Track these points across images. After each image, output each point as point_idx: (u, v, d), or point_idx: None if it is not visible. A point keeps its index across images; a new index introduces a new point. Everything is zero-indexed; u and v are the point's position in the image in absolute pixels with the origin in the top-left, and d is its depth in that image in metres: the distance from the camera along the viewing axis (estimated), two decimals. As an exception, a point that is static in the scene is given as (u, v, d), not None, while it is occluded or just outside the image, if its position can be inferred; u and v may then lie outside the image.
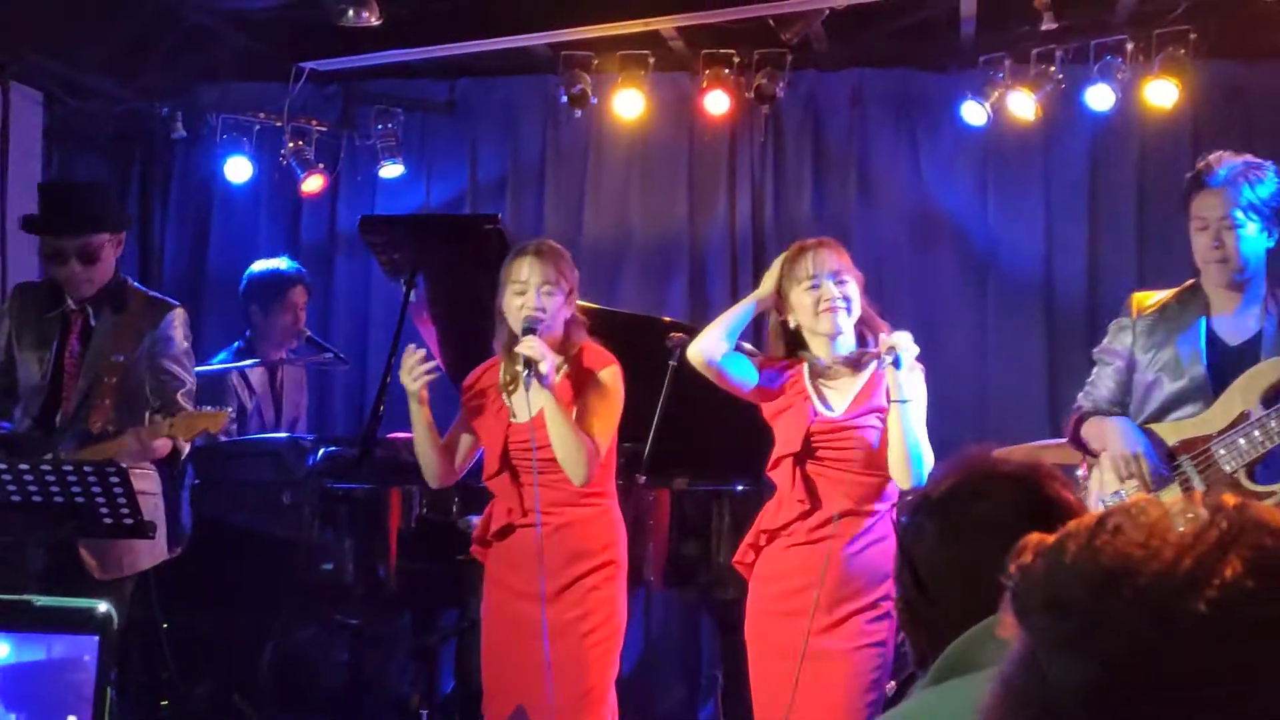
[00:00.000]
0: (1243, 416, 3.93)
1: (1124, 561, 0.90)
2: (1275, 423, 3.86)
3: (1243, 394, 3.95)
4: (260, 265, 6.36)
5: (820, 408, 4.11)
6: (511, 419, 4.33)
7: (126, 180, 7.23)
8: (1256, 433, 3.89)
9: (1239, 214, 3.99)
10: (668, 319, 5.98)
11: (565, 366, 4.31)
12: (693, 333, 4.80)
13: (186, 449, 4.75)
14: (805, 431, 4.09)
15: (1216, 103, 6.44)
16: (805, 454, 4.09)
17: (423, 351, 4.34)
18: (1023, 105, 6.35)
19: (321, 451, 5.46)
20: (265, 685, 5.46)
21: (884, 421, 4.05)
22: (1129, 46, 6.23)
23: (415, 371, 4.29)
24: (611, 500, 4.37)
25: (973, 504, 1.81)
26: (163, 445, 4.67)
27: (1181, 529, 0.91)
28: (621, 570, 4.35)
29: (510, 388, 4.36)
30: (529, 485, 4.27)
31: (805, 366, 4.19)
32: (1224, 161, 4.04)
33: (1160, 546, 0.90)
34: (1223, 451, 3.94)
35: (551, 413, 4.17)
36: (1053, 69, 6.31)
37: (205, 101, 7.12)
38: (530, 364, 4.13)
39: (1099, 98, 6.29)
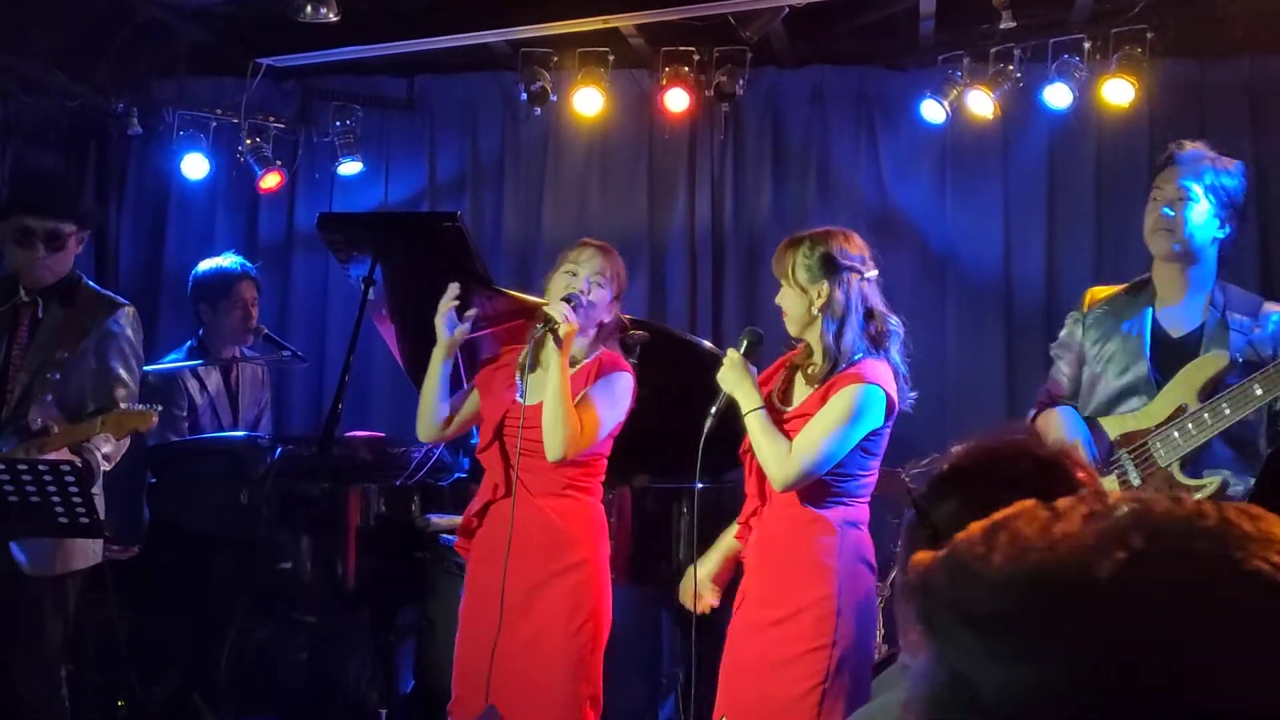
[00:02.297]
0: (1180, 410, 3.97)
1: (1023, 561, 0.90)
2: (1209, 416, 3.89)
3: (1182, 388, 3.99)
4: (205, 264, 6.29)
5: (777, 403, 4.11)
6: (519, 398, 4.33)
7: (81, 176, 7.16)
8: (1190, 425, 3.93)
9: (1195, 188, 4.03)
10: (628, 316, 5.97)
11: (583, 361, 4.34)
12: (652, 330, 4.81)
13: (107, 465, 4.68)
14: None
15: (1173, 101, 6.48)
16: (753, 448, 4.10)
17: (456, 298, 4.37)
18: (981, 103, 6.37)
19: (279, 450, 5.42)
20: (223, 685, 5.42)
21: None
22: (1087, 45, 6.26)
23: (451, 315, 4.35)
24: (594, 499, 4.39)
25: (1000, 485, 1.78)
26: (104, 445, 4.63)
27: (1073, 522, 0.91)
28: (600, 569, 4.34)
29: (527, 368, 4.35)
30: (524, 469, 4.28)
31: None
32: (1196, 146, 4.11)
33: (1055, 540, 0.90)
34: (1159, 445, 3.98)
35: (554, 378, 4.19)
36: (1011, 67, 6.34)
37: (161, 97, 7.06)
38: (549, 321, 4.17)
39: (1057, 96, 6.32)
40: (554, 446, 4.20)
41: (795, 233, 4.26)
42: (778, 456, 3.93)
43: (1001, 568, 0.90)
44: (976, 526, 0.95)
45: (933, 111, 6.48)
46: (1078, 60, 6.28)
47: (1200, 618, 0.85)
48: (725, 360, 4.08)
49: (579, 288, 4.27)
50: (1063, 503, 0.94)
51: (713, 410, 4.07)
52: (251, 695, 5.43)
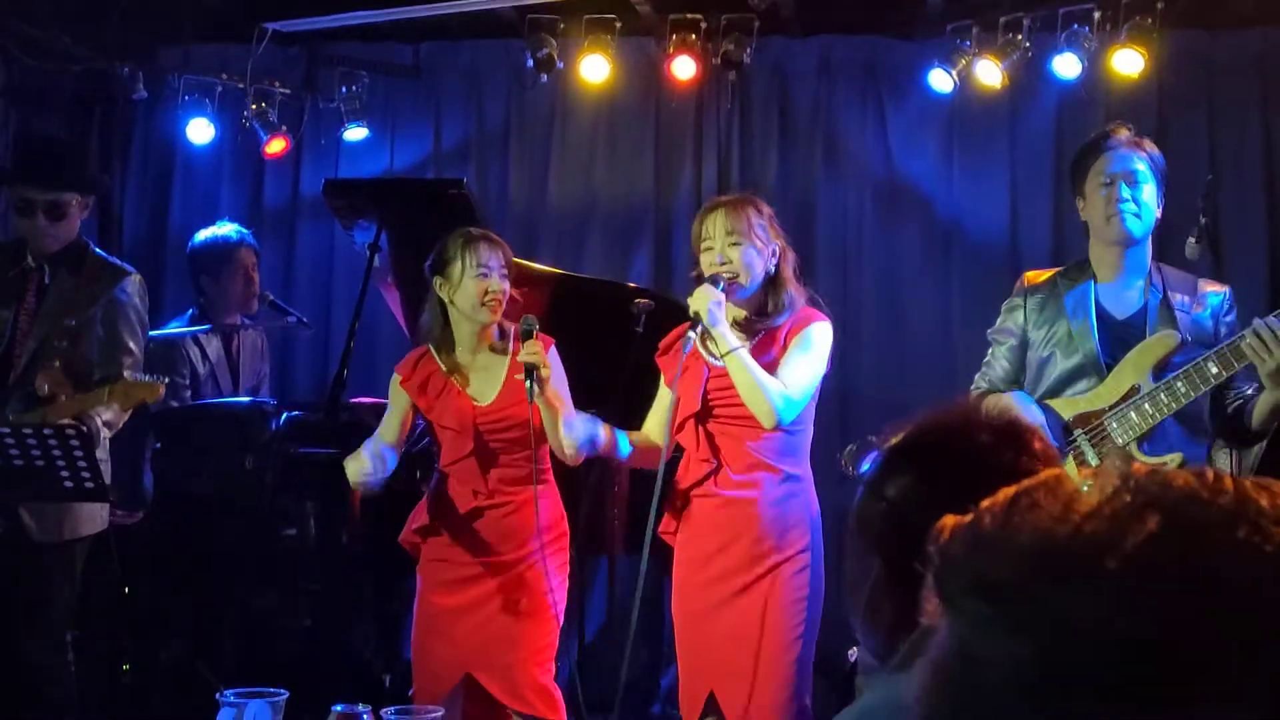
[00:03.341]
0: (1134, 390, 4.01)
1: (1041, 534, 0.89)
2: (1165, 396, 3.95)
3: (1134, 368, 4.03)
4: (202, 235, 6.26)
5: (713, 362, 4.12)
6: (476, 403, 4.37)
7: (86, 141, 7.14)
8: (1147, 406, 3.98)
9: (1142, 168, 4.08)
10: (633, 285, 5.97)
11: (508, 346, 4.42)
12: (658, 299, 4.79)
13: (107, 432, 4.69)
14: (702, 389, 4.11)
15: (1183, 72, 6.45)
16: (705, 412, 4.12)
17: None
18: (989, 73, 6.35)
19: (284, 416, 5.42)
20: (227, 651, 5.44)
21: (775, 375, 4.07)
22: (1096, 15, 6.23)
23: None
24: (550, 475, 4.46)
25: (959, 456, 1.77)
26: (112, 414, 4.63)
27: (1097, 494, 0.90)
28: (566, 542, 4.46)
29: (457, 376, 4.40)
30: (499, 467, 4.35)
31: (695, 330, 4.17)
32: (1122, 130, 4.17)
33: (1075, 516, 0.89)
34: (1115, 425, 4.03)
35: (552, 416, 4.24)
36: (1020, 37, 6.31)
37: (167, 62, 7.05)
38: (532, 371, 4.16)
39: (1066, 66, 6.30)
40: (577, 459, 4.30)
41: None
42: (776, 391, 3.99)
43: (1018, 537, 0.90)
44: (1003, 494, 0.95)
45: (940, 81, 6.45)
46: (1087, 30, 6.25)
47: (1206, 607, 0.84)
48: (704, 291, 4.02)
49: (499, 289, 4.32)
50: (1086, 474, 0.93)
51: (691, 335, 4.02)
52: (255, 661, 5.45)
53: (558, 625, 4.40)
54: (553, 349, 4.39)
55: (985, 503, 0.95)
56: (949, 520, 0.96)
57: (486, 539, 4.35)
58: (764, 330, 4.13)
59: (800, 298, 4.17)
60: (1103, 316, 4.17)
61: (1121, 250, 4.16)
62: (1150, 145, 4.19)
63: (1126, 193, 4.09)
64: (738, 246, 4.09)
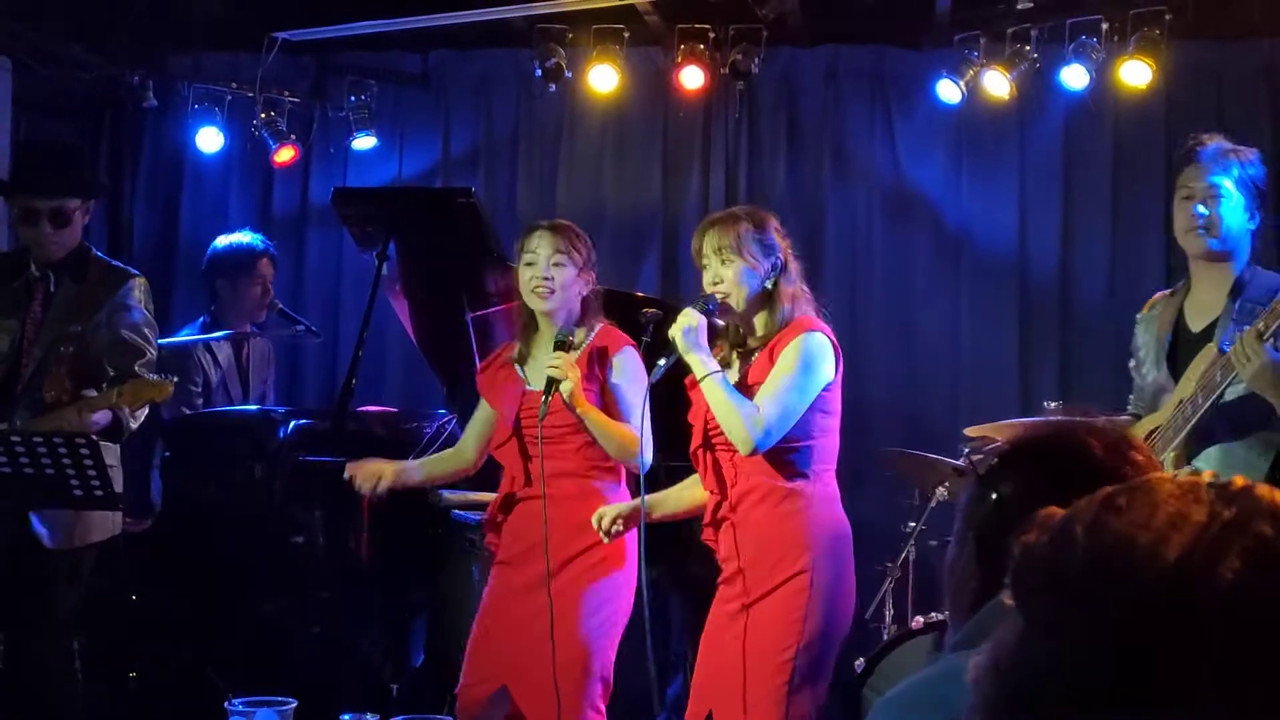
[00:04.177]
0: (1181, 404, 3.96)
1: (1126, 547, 0.90)
2: (1190, 407, 3.89)
3: (1187, 381, 3.99)
4: (225, 240, 6.27)
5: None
6: (527, 387, 4.35)
7: (96, 149, 7.17)
8: (1179, 418, 3.92)
9: (1225, 184, 4.02)
10: (640, 294, 5.97)
11: (586, 341, 4.35)
12: (665, 307, 4.79)
13: (134, 423, 4.70)
14: (704, 418, 4.05)
15: (1190, 83, 6.45)
16: (707, 441, 4.05)
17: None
18: (997, 84, 6.35)
19: (293, 424, 5.44)
20: (235, 658, 5.45)
21: None
22: (1104, 26, 6.24)
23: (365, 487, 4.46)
24: (614, 479, 4.38)
25: (1071, 461, 1.80)
26: (101, 417, 4.63)
27: (1187, 512, 0.91)
28: (619, 550, 4.30)
29: (520, 360, 4.40)
30: (536, 457, 4.29)
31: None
32: (1215, 139, 4.09)
33: (1164, 530, 0.90)
34: (1158, 441, 3.98)
35: (589, 416, 4.20)
36: (1028, 48, 6.32)
37: (177, 70, 7.07)
38: (552, 384, 4.14)
39: (1074, 77, 6.30)
40: (626, 462, 4.27)
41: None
42: (749, 417, 3.86)
43: (1101, 541, 0.91)
44: (1101, 493, 0.95)
45: (948, 92, 6.46)
46: (1095, 41, 6.25)
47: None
48: (682, 316, 3.95)
49: (540, 276, 4.26)
50: (1185, 485, 0.93)
51: (661, 363, 3.97)
52: (264, 668, 5.46)
53: (608, 642, 4.29)
54: (628, 350, 4.33)
55: (1079, 503, 0.95)
56: (1043, 515, 0.97)
57: (531, 538, 4.25)
58: (759, 348, 4.04)
59: (799, 310, 4.04)
60: (1181, 331, 4.12)
61: (1205, 263, 4.13)
62: (1244, 153, 4.07)
63: (1202, 209, 4.03)
64: (729, 264, 4.00)
